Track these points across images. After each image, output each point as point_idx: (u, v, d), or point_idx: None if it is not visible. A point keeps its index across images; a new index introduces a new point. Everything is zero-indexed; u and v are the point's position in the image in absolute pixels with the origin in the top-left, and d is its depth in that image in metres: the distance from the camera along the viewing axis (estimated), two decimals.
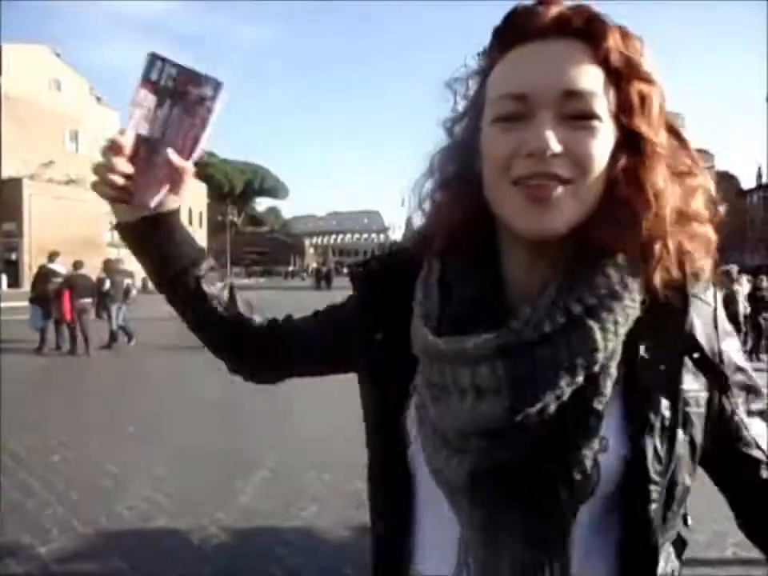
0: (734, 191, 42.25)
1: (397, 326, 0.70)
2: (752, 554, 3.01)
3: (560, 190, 0.58)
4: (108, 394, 7.00)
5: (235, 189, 73.91)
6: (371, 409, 0.76)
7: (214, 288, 0.84)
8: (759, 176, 55.20)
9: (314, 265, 67.69)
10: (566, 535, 0.58)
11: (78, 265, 10.67)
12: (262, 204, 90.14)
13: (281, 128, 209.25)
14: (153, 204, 0.76)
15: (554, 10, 0.60)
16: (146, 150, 0.75)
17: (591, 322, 0.57)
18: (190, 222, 57.85)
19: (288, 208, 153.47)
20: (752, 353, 10.31)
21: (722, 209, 0.66)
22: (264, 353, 0.88)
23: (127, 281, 11.54)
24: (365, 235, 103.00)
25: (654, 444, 0.60)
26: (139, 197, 0.76)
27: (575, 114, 0.58)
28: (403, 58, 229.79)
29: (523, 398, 0.56)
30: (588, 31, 0.59)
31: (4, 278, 28.48)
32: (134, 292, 12.04)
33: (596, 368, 0.58)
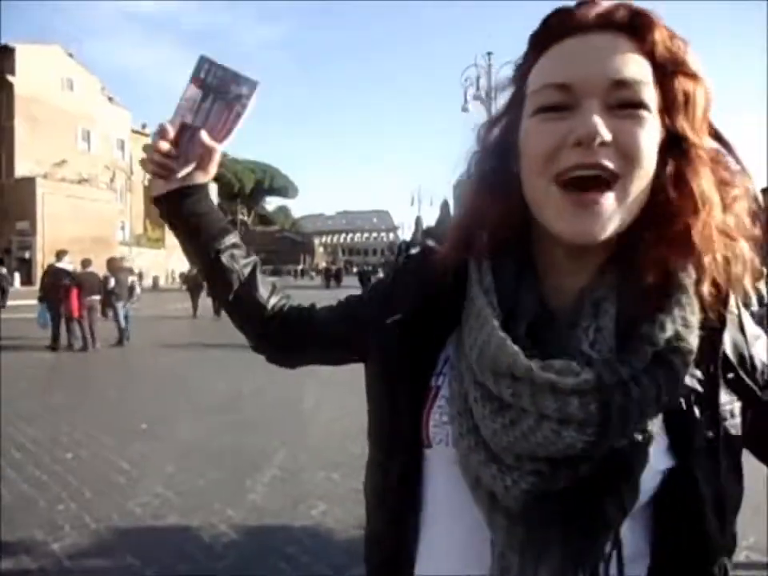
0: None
1: (420, 323, 0.69)
2: (764, 557, 2.99)
3: (607, 194, 0.56)
4: (119, 392, 7.05)
5: (245, 188, 74.15)
6: (380, 400, 0.75)
7: (236, 264, 0.88)
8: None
9: (324, 264, 67.85)
10: (608, 547, 0.58)
11: (86, 263, 10.80)
12: (271, 203, 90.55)
13: (291, 127, 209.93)
14: (181, 175, 0.86)
15: (595, 7, 0.59)
16: (188, 136, 0.86)
17: (677, 361, 0.56)
18: None
19: (298, 207, 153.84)
20: None
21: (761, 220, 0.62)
22: (280, 333, 0.90)
23: (131, 278, 11.65)
24: (374, 234, 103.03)
25: (699, 459, 0.60)
26: (175, 174, 0.86)
27: (623, 103, 0.56)
28: (412, 56, 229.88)
29: (612, 433, 0.54)
30: (632, 25, 0.57)
31: (17, 276, 28.75)
32: (138, 290, 12.13)
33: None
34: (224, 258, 0.87)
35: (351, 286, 29.91)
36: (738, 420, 0.62)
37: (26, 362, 8.98)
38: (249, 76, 0.85)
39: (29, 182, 34.42)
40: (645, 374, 0.55)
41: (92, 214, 35.99)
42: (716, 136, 0.61)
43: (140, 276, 31.66)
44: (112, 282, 10.83)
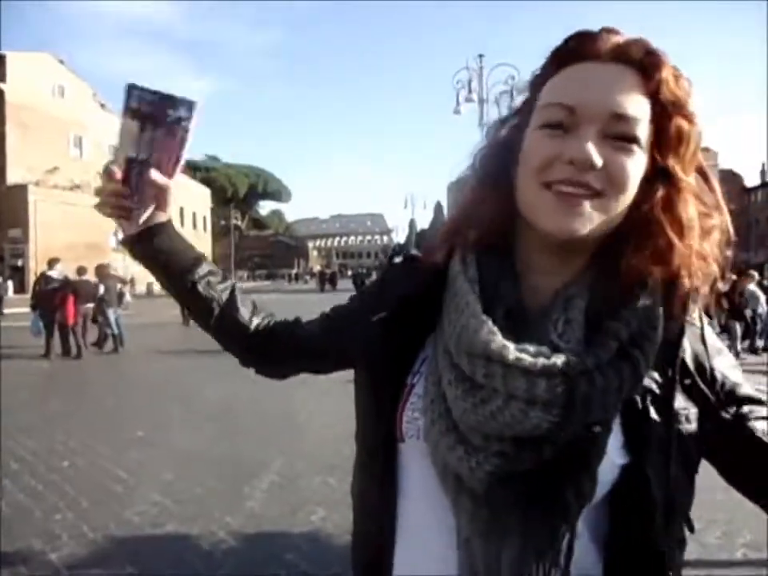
0: (738, 189, 42.07)
1: (401, 323, 0.73)
2: (762, 555, 3.02)
3: (589, 201, 0.61)
4: (115, 399, 7.02)
5: (239, 193, 74.05)
6: (365, 401, 0.78)
7: (213, 291, 0.90)
8: (763, 174, 55.04)
9: (318, 267, 67.75)
10: (566, 536, 0.61)
11: (81, 270, 10.76)
12: (265, 207, 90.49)
13: (284, 132, 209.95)
14: (142, 220, 0.86)
15: (615, 38, 0.63)
16: (137, 171, 0.83)
17: (638, 354, 0.61)
18: (194, 226, 57.99)
19: (291, 211, 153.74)
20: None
21: (729, 253, 0.68)
22: (264, 350, 0.94)
23: (119, 285, 11.63)
24: (368, 237, 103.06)
25: (651, 457, 0.63)
26: (136, 213, 0.85)
27: (618, 135, 0.61)
28: (406, 59, 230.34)
29: (575, 418, 0.58)
30: (643, 63, 0.62)
31: (10, 284, 28.56)
32: (127, 297, 12.08)
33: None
34: (200, 288, 0.88)
35: (346, 290, 29.89)
36: (693, 426, 0.66)
37: (20, 370, 8.92)
38: (185, 96, 0.81)
39: (21, 190, 34.25)
40: (609, 365, 0.59)
41: (85, 220, 35.77)
42: (701, 171, 0.67)
43: (131, 282, 31.50)
44: (101, 289, 10.80)
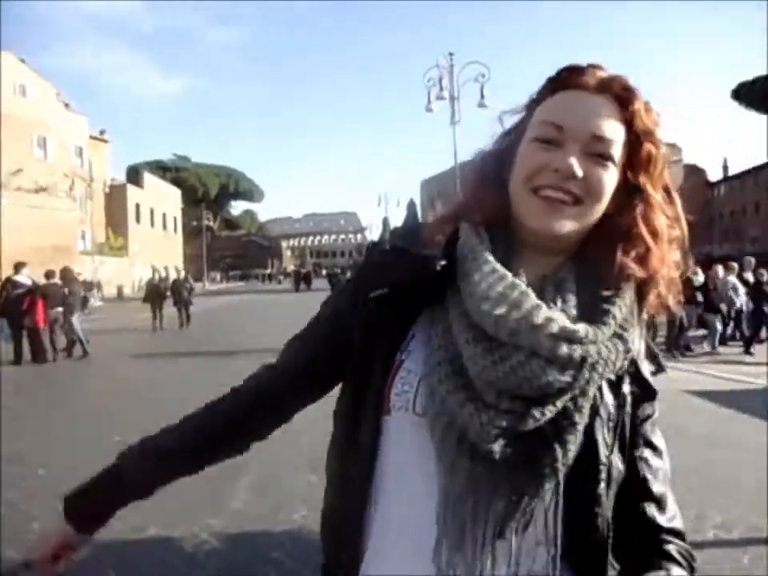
0: (701, 183, 43.09)
1: (394, 302, 0.77)
2: (732, 536, 3.13)
3: (569, 207, 0.73)
4: (89, 404, 6.92)
5: (210, 193, 73.16)
6: (352, 376, 0.81)
7: (157, 465, 0.91)
8: (725, 168, 56.61)
9: (292, 267, 67.38)
10: (550, 492, 0.69)
11: (49, 274, 10.56)
12: (237, 207, 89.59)
13: (254, 130, 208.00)
14: None
15: (600, 73, 0.76)
16: None
17: (627, 337, 0.72)
18: (165, 227, 57.05)
19: (264, 211, 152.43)
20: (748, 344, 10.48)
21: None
22: (251, 432, 0.94)
23: (84, 290, 11.43)
24: (342, 236, 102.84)
25: (598, 427, 0.72)
26: None
27: (596, 153, 0.73)
28: (378, 55, 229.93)
29: (581, 380, 0.67)
30: (621, 96, 0.75)
31: None
32: (92, 301, 11.87)
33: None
34: (148, 472, 0.90)
35: (322, 289, 29.77)
36: (629, 409, 0.76)
37: None
38: None
39: None
40: (609, 340, 0.69)
41: (51, 223, 35.01)
42: (666, 189, 0.80)
43: (98, 286, 30.76)
44: (65, 293, 10.59)
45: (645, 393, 0.78)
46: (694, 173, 43.06)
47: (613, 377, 0.73)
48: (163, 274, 17.20)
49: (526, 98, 0.81)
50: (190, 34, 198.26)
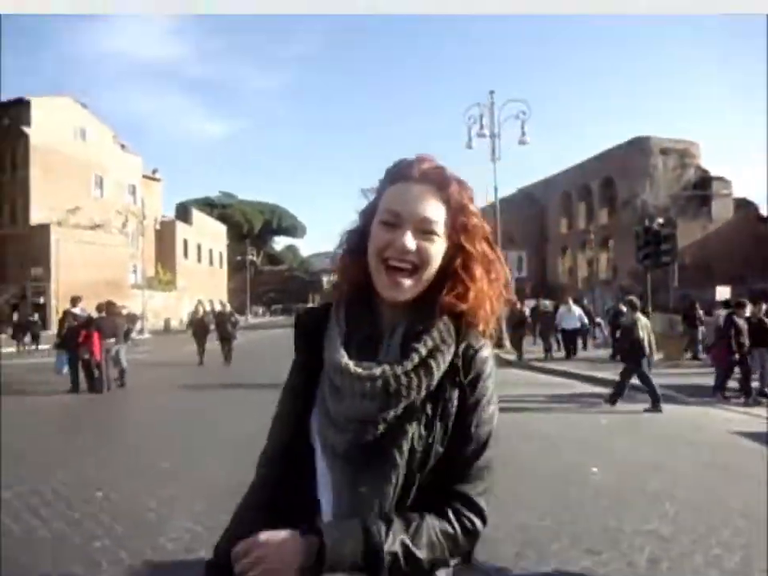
0: (753, 218, 41.62)
1: (315, 353, 1.07)
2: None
3: (408, 278, 1.00)
4: (139, 432, 7.20)
5: (254, 229, 75.16)
6: (292, 407, 1.10)
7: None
8: None
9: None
10: (392, 476, 0.96)
11: (102, 307, 10.98)
12: (279, 243, 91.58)
13: (297, 168, 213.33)
14: None
15: (423, 165, 1.03)
16: None
17: (432, 362, 0.98)
18: (211, 263, 58.61)
19: (306, 246, 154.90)
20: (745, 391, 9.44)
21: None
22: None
23: (127, 324, 11.93)
24: None
25: (419, 431, 0.97)
26: None
27: (425, 230, 1.00)
28: (416, 100, 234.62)
29: (391, 403, 0.95)
30: (439, 182, 1.02)
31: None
32: (133, 334, 12.19)
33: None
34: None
35: None
36: (454, 409, 0.99)
37: (45, 405, 9.14)
38: None
39: (43, 229, 35.22)
40: (413, 371, 0.96)
41: (104, 258, 36.58)
42: (489, 243, 1.07)
43: (142, 319, 31.64)
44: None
45: (465, 392, 1.00)
46: (743, 207, 41.79)
47: (425, 392, 0.97)
48: (207, 308, 17.50)
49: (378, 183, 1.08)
50: (231, 80, 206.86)
